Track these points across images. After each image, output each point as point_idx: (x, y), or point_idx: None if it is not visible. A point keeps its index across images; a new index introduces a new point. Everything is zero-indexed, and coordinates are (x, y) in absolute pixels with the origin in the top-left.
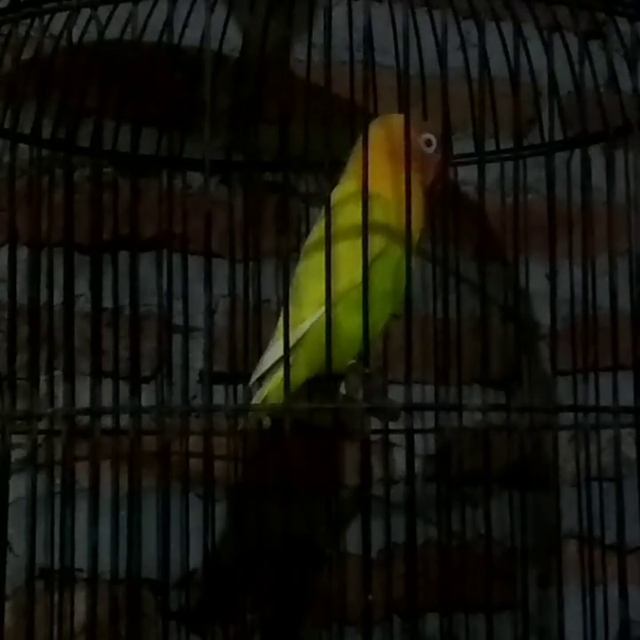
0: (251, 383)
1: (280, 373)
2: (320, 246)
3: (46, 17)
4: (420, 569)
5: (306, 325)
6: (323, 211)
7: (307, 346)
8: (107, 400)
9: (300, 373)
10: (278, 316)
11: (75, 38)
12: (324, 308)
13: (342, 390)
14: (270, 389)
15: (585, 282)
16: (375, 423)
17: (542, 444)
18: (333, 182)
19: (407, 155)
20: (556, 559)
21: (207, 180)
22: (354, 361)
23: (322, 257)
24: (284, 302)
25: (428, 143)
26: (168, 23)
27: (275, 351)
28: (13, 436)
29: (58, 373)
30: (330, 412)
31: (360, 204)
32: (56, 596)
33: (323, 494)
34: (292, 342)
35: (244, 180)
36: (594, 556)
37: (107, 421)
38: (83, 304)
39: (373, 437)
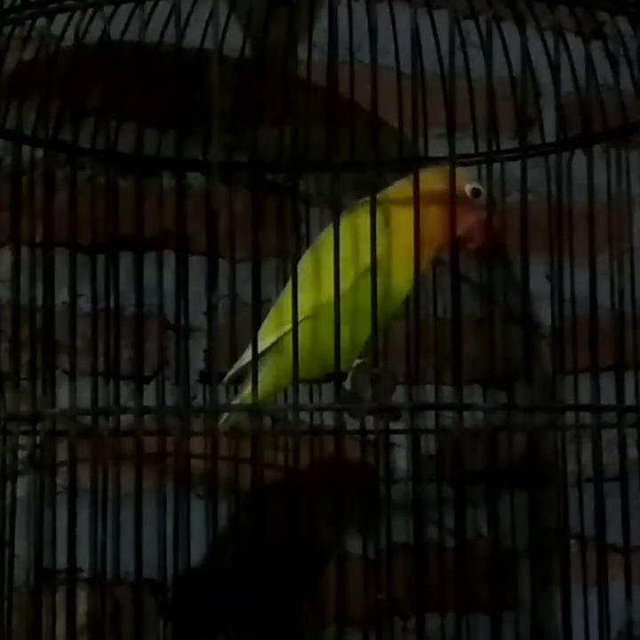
0: (226, 378)
1: (266, 372)
2: (315, 255)
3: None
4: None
5: (286, 328)
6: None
7: (284, 351)
8: (107, 400)
9: (276, 380)
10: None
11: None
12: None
13: (347, 386)
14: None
15: (591, 281)
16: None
17: (543, 443)
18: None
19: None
20: (562, 559)
21: (213, 181)
22: (360, 360)
23: (314, 265)
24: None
25: (476, 194)
26: (175, 23)
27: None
28: (11, 437)
29: (58, 374)
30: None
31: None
32: (56, 597)
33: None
34: (267, 345)
35: (246, 181)
36: (595, 557)
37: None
38: (83, 304)
39: (372, 437)
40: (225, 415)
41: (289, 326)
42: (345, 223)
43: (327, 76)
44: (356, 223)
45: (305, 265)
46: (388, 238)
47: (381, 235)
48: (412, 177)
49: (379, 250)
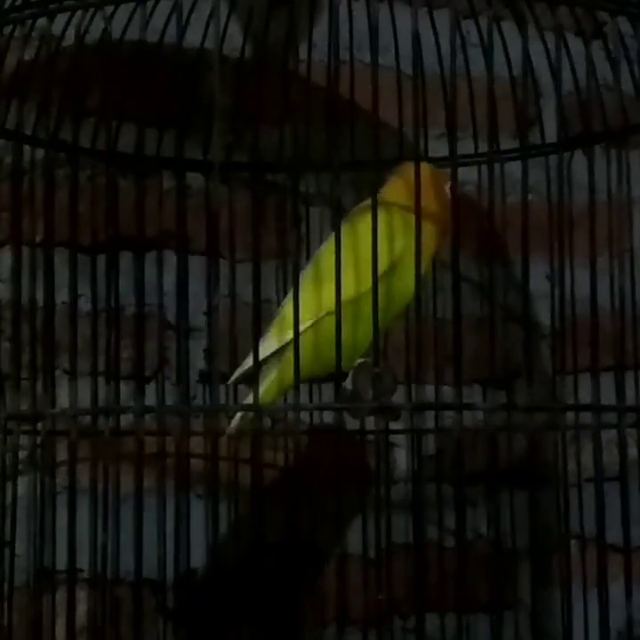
0: (233, 378)
1: (273, 374)
2: (326, 257)
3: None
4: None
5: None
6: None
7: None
8: (107, 400)
9: (280, 381)
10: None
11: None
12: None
13: (348, 385)
14: (264, 390)
15: (592, 281)
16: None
17: (543, 443)
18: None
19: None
20: (562, 559)
21: (213, 181)
22: (362, 360)
23: (326, 267)
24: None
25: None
26: (176, 23)
27: (265, 349)
28: (11, 437)
29: (58, 374)
30: None
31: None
32: (57, 597)
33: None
34: (283, 342)
35: (246, 181)
36: (595, 557)
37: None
38: (83, 304)
39: (372, 437)
40: (232, 421)
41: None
42: (364, 223)
43: (327, 75)
44: (388, 221)
45: (323, 262)
46: (408, 239)
47: (400, 235)
48: (400, 174)
49: (398, 250)
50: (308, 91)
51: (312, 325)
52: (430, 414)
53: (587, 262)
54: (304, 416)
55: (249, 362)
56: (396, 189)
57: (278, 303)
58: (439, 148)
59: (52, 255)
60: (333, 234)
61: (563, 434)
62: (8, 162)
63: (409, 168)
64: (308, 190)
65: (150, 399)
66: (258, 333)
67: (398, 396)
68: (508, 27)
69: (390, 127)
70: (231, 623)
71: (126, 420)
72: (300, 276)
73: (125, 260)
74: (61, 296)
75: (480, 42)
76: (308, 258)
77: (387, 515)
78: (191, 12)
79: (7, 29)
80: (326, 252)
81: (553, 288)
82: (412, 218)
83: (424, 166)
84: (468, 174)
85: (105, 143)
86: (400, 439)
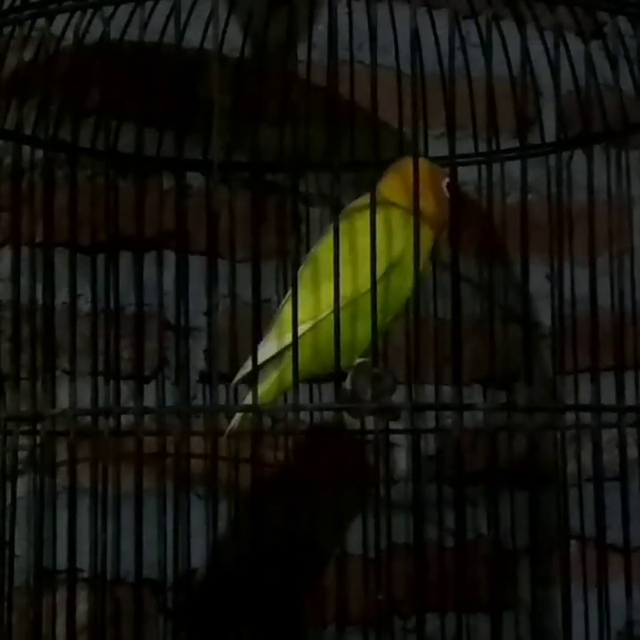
0: (235, 380)
1: (273, 375)
2: (324, 256)
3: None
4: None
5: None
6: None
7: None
8: (107, 400)
9: (281, 380)
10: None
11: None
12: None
13: (347, 385)
14: (264, 390)
15: (591, 281)
16: (375, 423)
17: (543, 443)
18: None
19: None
20: (562, 559)
21: (213, 181)
22: (362, 359)
23: (324, 266)
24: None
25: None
26: (175, 23)
27: (266, 351)
28: (11, 437)
29: (58, 374)
30: None
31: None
32: (57, 597)
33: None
34: (284, 344)
35: (246, 181)
36: (595, 557)
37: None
38: (83, 304)
39: (372, 437)
40: (232, 421)
41: (302, 327)
42: (362, 222)
43: (327, 75)
44: (388, 218)
45: (322, 262)
46: (406, 237)
47: (399, 233)
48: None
49: (401, 245)
50: (308, 91)
51: (311, 326)
52: (430, 414)
53: (586, 262)
54: (304, 416)
55: (250, 364)
56: (393, 186)
57: (278, 303)
58: (439, 148)
59: (51, 255)
60: (331, 229)
61: (563, 434)
62: (8, 162)
63: (406, 164)
64: (307, 190)
65: (150, 399)
66: (258, 333)
67: (398, 396)
68: (508, 26)
69: (390, 127)
70: (231, 623)
71: (126, 420)
72: (298, 274)
73: (125, 259)
74: (61, 296)
75: (480, 41)
76: None
77: (387, 515)
78: (190, 12)
79: (7, 30)
80: (324, 251)
81: (553, 288)
82: (410, 215)
83: (421, 162)
84: (467, 174)
85: (105, 143)
86: (400, 439)
